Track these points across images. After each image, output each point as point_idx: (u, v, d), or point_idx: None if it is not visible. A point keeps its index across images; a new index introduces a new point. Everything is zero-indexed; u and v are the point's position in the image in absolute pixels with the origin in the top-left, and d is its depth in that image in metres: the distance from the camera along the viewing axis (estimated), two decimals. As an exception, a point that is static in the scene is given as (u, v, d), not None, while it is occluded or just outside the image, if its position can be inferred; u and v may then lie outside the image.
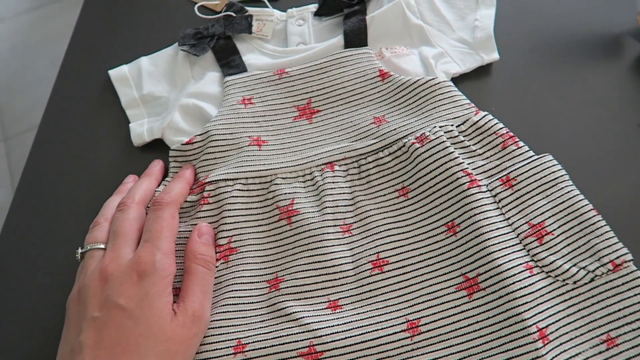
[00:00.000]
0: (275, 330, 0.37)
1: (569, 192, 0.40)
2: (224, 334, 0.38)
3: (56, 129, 0.50)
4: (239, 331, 0.38)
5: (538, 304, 0.36)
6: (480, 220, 0.39)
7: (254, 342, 0.37)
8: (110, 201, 0.43)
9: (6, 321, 0.42)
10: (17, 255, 0.45)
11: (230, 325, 0.38)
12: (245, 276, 0.40)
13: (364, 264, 0.39)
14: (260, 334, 0.38)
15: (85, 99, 0.51)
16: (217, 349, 0.37)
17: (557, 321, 0.36)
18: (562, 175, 0.41)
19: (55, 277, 0.43)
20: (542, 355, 0.34)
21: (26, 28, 1.57)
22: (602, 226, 0.38)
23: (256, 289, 0.40)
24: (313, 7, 0.52)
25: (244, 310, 0.39)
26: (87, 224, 0.45)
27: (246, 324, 0.38)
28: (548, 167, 0.41)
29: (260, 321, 0.38)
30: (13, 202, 0.47)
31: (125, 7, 0.57)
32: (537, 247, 0.39)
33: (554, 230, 0.39)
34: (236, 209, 0.42)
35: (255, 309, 0.39)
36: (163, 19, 0.55)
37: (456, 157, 0.41)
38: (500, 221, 0.39)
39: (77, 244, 0.44)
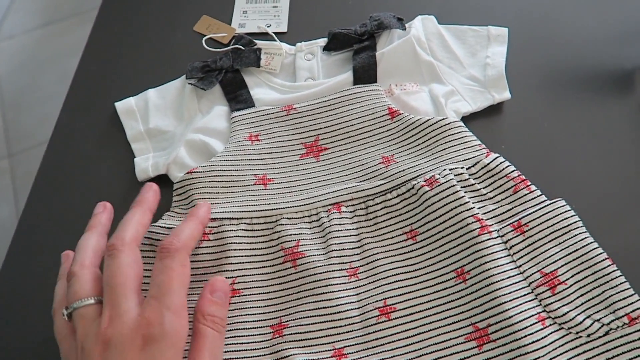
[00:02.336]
0: None
1: (582, 239, 0.39)
2: (225, 380, 0.37)
3: (60, 161, 0.50)
4: None
5: (550, 358, 0.35)
6: (491, 268, 0.38)
7: (255, 390, 0.36)
8: (84, 241, 0.36)
9: (15, 338, 0.41)
10: (22, 278, 0.44)
11: (232, 372, 0.37)
12: (249, 321, 0.39)
13: (371, 310, 0.38)
14: (262, 382, 0.37)
15: (90, 131, 0.51)
16: None
17: (570, 376, 0.35)
18: (575, 222, 0.40)
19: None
20: None
21: (35, 45, 1.58)
22: (617, 277, 0.37)
23: (259, 334, 0.39)
24: (322, 42, 0.51)
25: (248, 357, 0.38)
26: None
27: (248, 370, 0.37)
28: (561, 213, 0.40)
29: (263, 369, 0.37)
30: (15, 235, 0.46)
31: (132, 39, 0.57)
32: (549, 297, 0.37)
33: (567, 279, 0.38)
34: (240, 249, 0.41)
35: (258, 356, 0.38)
36: (171, 50, 0.55)
37: (466, 202, 0.40)
38: (511, 269, 0.38)
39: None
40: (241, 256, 0.41)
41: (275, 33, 0.54)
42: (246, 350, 0.38)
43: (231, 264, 0.41)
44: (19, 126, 1.43)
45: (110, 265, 0.33)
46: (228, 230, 0.41)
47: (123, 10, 0.59)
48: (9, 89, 1.49)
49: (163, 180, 0.46)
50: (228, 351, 0.38)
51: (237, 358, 0.38)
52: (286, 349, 0.37)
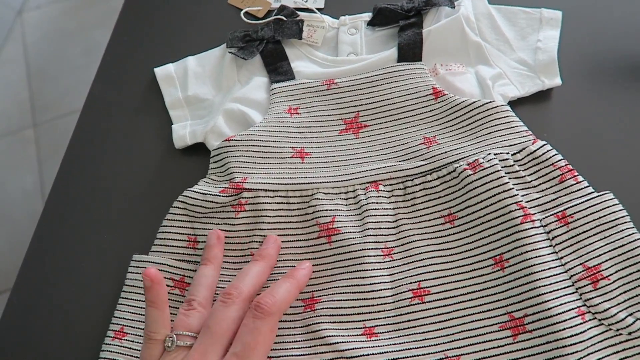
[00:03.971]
0: (309, 354, 0.36)
1: (629, 235, 0.37)
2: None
3: (96, 125, 0.50)
4: (271, 349, 0.37)
5: (588, 354, 0.34)
6: (531, 258, 0.37)
7: (285, 363, 0.36)
8: (203, 276, 0.37)
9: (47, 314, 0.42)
10: (49, 262, 0.44)
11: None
12: (280, 293, 0.39)
13: (404, 292, 0.38)
14: (292, 355, 0.36)
15: (128, 96, 0.51)
16: None
17: (607, 373, 0.34)
18: (623, 217, 0.38)
19: (87, 280, 0.43)
20: None
21: (61, 16, 1.59)
22: (663, 275, 0.36)
23: (291, 307, 0.39)
24: (367, 16, 0.50)
25: (278, 329, 0.38)
26: (124, 225, 0.45)
27: (278, 342, 0.37)
28: (608, 207, 0.38)
29: (292, 341, 0.37)
30: (48, 199, 0.46)
31: (164, 11, 0.56)
32: (590, 291, 0.36)
33: (611, 275, 0.37)
34: (275, 222, 0.41)
35: (288, 328, 0.38)
36: (204, 22, 0.54)
37: (510, 189, 0.39)
38: (552, 260, 0.37)
39: (112, 245, 0.44)
40: (275, 228, 0.41)
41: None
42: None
43: (265, 235, 0.40)
44: (45, 96, 1.44)
45: (219, 312, 0.34)
46: (263, 203, 0.41)
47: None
48: (35, 59, 1.51)
49: (200, 149, 0.46)
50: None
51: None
52: (317, 323, 0.37)
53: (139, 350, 0.38)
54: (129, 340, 0.38)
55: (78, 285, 0.43)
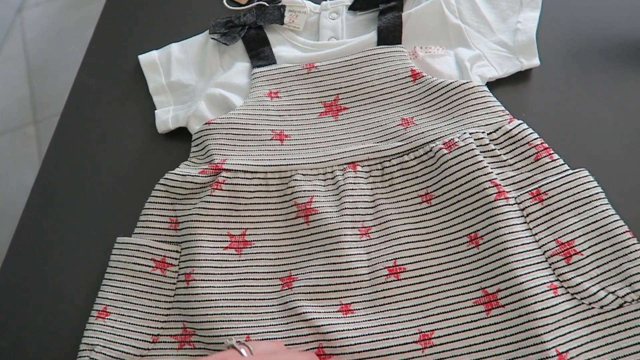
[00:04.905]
0: (286, 330, 0.37)
1: (603, 211, 0.38)
2: (233, 327, 0.37)
3: (81, 111, 0.51)
4: (249, 326, 0.38)
5: (560, 327, 0.35)
6: (505, 234, 0.37)
7: (263, 339, 0.37)
8: None
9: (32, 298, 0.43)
10: (35, 245, 0.45)
11: (240, 320, 0.38)
12: (259, 272, 0.40)
13: (380, 269, 0.38)
14: (270, 331, 0.37)
15: (112, 83, 0.52)
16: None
17: (579, 346, 0.34)
18: (597, 193, 0.38)
19: (72, 262, 0.44)
20: None
21: (60, 13, 1.60)
22: (636, 250, 0.36)
23: (269, 285, 0.39)
24: (348, 1, 0.50)
25: (255, 307, 0.38)
26: (108, 209, 0.46)
27: (256, 319, 0.38)
28: (582, 184, 0.39)
29: (271, 319, 0.38)
30: (35, 184, 0.47)
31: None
32: (563, 266, 0.37)
33: (584, 250, 0.37)
34: (253, 203, 0.42)
35: (266, 306, 0.39)
36: (190, 9, 0.55)
37: (485, 167, 0.39)
38: (526, 236, 0.38)
39: (97, 228, 0.45)
40: (253, 210, 0.41)
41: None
42: (255, 299, 0.39)
43: (242, 216, 0.41)
44: (45, 93, 1.46)
45: None
46: (242, 184, 0.42)
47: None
48: (35, 56, 1.52)
49: (183, 133, 0.47)
50: (238, 299, 0.38)
51: (246, 306, 0.38)
52: (294, 300, 0.38)
53: (121, 329, 0.39)
54: (111, 320, 0.39)
55: (64, 267, 0.44)
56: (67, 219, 0.45)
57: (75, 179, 0.47)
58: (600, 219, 0.38)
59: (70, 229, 0.45)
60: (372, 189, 0.41)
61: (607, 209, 0.38)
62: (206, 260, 0.40)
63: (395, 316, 0.37)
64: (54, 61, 1.50)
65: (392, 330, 0.36)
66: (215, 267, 0.40)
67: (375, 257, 0.39)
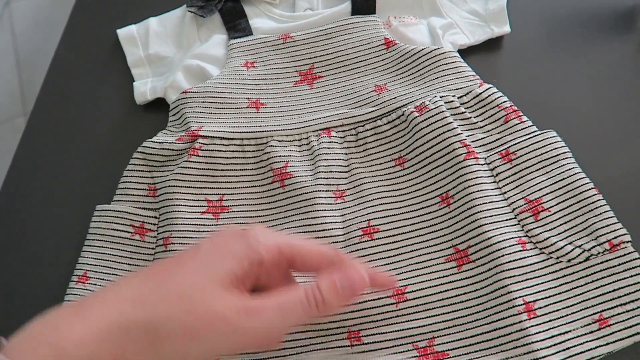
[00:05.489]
0: None
1: (569, 169, 0.39)
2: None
3: (60, 85, 0.51)
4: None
5: (527, 279, 0.36)
6: (474, 192, 0.38)
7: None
8: None
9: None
10: (17, 214, 0.45)
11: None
12: (236, 236, 0.40)
13: (354, 230, 0.39)
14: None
15: (92, 57, 0.52)
16: None
17: (547, 297, 0.35)
18: (564, 152, 0.39)
19: (53, 230, 0.44)
20: (526, 328, 0.34)
21: (49, 5, 1.59)
22: (601, 205, 0.37)
23: (245, 249, 0.40)
24: (323, -27, 0.51)
25: None
26: (89, 178, 0.46)
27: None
28: (550, 144, 0.40)
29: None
30: (16, 154, 0.48)
31: None
32: (532, 222, 0.38)
33: (551, 207, 0.38)
34: (230, 169, 0.42)
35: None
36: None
37: (454, 128, 0.40)
38: (495, 195, 0.39)
39: (78, 197, 0.45)
40: (230, 176, 0.42)
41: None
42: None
43: (219, 181, 0.42)
44: (34, 85, 1.45)
45: None
46: (218, 150, 0.42)
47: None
48: (25, 49, 1.52)
49: (161, 104, 0.48)
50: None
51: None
52: (269, 262, 0.39)
53: None
54: (91, 284, 0.40)
55: (45, 235, 0.44)
56: (48, 188, 0.46)
57: (56, 150, 0.48)
58: (567, 177, 0.39)
59: (51, 198, 0.46)
60: (346, 153, 0.42)
61: (573, 167, 0.39)
62: (184, 224, 0.40)
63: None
64: (43, 54, 1.50)
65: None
66: (193, 230, 0.40)
67: (350, 219, 0.40)
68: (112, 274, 0.40)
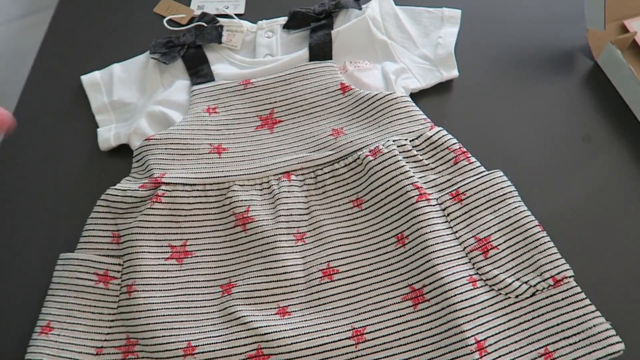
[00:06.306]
0: (225, 334, 0.38)
1: (515, 207, 0.41)
2: (174, 335, 0.39)
3: (24, 130, 0.51)
4: (190, 333, 0.39)
5: (478, 317, 0.37)
6: (427, 232, 0.40)
7: (203, 344, 0.38)
8: None
9: None
10: None
11: (181, 327, 0.39)
12: (199, 280, 0.41)
13: (315, 272, 0.40)
14: (210, 337, 0.39)
15: (56, 103, 0.53)
16: (167, 350, 0.38)
17: (497, 334, 0.37)
18: (510, 192, 0.42)
19: (15, 279, 0.44)
20: None
21: (16, 35, 1.58)
22: (545, 242, 0.40)
23: (209, 293, 0.41)
24: (283, 20, 0.53)
25: (196, 314, 0.40)
26: (51, 225, 0.46)
27: (197, 326, 0.39)
28: (497, 183, 0.42)
29: (211, 324, 0.39)
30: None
31: (94, 21, 0.58)
32: (482, 260, 0.40)
33: (500, 245, 0.40)
34: (193, 214, 0.43)
35: (207, 312, 0.40)
36: (132, 30, 0.57)
37: (407, 171, 0.42)
38: (447, 234, 0.41)
39: (39, 245, 0.45)
40: (193, 221, 0.43)
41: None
42: (196, 307, 0.40)
43: (182, 227, 0.43)
44: (1, 117, 1.43)
45: None
46: (181, 196, 0.43)
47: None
48: (-12, 94, 1.49)
49: (125, 150, 0.48)
50: (178, 307, 0.40)
51: (187, 314, 0.40)
52: (233, 305, 0.39)
53: (65, 343, 0.39)
54: (54, 334, 0.40)
55: (6, 284, 0.44)
56: (10, 235, 0.46)
57: (19, 196, 0.48)
58: (513, 215, 0.41)
59: (13, 245, 0.46)
60: (306, 196, 0.44)
61: (519, 206, 0.41)
62: (147, 271, 0.41)
63: (330, 315, 0.39)
64: (10, 84, 1.47)
65: (327, 329, 0.38)
66: (156, 277, 0.41)
67: (310, 261, 0.41)
68: (76, 323, 0.40)
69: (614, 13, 0.48)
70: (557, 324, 0.37)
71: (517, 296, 0.38)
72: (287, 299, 0.40)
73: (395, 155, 0.42)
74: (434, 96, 0.49)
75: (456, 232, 0.41)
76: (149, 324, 0.39)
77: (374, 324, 0.38)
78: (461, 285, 0.38)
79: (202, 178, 0.44)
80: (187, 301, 0.40)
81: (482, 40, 0.53)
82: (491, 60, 0.52)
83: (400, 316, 0.38)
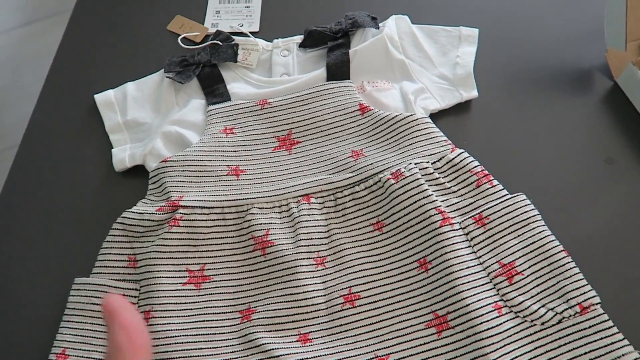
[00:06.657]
0: None
1: (540, 232, 0.41)
2: (193, 362, 0.38)
3: (37, 151, 0.51)
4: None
5: (505, 345, 0.37)
6: (451, 258, 0.39)
7: (223, 373, 0.37)
8: None
9: None
10: None
11: (200, 355, 0.38)
12: (218, 306, 0.41)
13: (336, 297, 0.40)
14: (230, 364, 0.38)
15: (69, 122, 0.52)
16: None
17: (523, 362, 0.36)
18: (534, 216, 0.41)
19: (29, 304, 0.43)
20: None
21: (15, 44, 1.57)
22: (571, 268, 0.39)
23: (228, 319, 0.40)
24: (298, 39, 0.53)
25: (215, 340, 0.39)
26: (66, 249, 0.46)
27: (216, 354, 0.39)
28: (520, 207, 0.42)
29: (231, 351, 0.39)
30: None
31: (106, 38, 0.57)
32: (506, 286, 0.39)
33: (524, 270, 0.39)
34: (211, 238, 0.43)
35: (226, 339, 0.39)
36: (145, 48, 0.56)
37: (429, 195, 0.41)
38: (471, 259, 0.40)
39: (54, 269, 0.45)
40: (212, 244, 0.42)
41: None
42: (215, 334, 0.39)
43: (200, 251, 0.42)
44: (1, 125, 1.43)
45: None
46: (199, 220, 0.43)
47: (97, 10, 0.60)
48: (-1, 114, 1.49)
49: (140, 171, 0.48)
50: (198, 334, 0.39)
51: (206, 341, 0.39)
52: (253, 332, 0.39)
53: None
54: None
55: (20, 309, 0.43)
56: (23, 259, 0.45)
57: (32, 219, 0.47)
58: (538, 240, 0.40)
59: (27, 270, 0.45)
60: (326, 219, 0.43)
61: (543, 230, 0.41)
62: (165, 297, 0.40)
63: (352, 342, 0.38)
64: (9, 93, 1.47)
65: (349, 357, 0.38)
66: (174, 303, 0.40)
67: (331, 286, 0.40)
68: (92, 350, 0.39)
69: (634, 33, 0.48)
70: (585, 353, 0.36)
71: (542, 323, 0.38)
72: (308, 326, 0.39)
73: (418, 179, 0.42)
74: (453, 117, 0.49)
75: (480, 257, 0.40)
76: (167, 351, 0.38)
77: (397, 351, 0.38)
78: (487, 313, 0.37)
79: (220, 201, 0.44)
80: (206, 327, 0.40)
81: (499, 59, 0.53)
82: (509, 80, 0.51)
83: (424, 344, 0.38)
